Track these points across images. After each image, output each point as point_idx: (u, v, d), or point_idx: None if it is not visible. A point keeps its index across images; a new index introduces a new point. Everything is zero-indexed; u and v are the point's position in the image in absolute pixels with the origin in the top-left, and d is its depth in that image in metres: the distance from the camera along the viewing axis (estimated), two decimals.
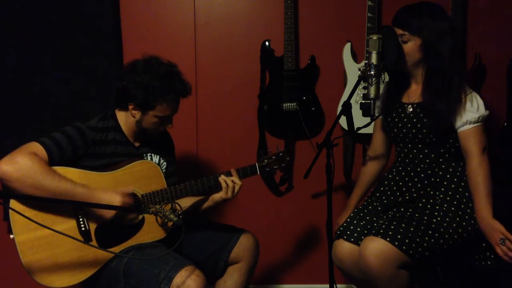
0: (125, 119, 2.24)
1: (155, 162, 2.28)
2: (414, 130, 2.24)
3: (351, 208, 2.45)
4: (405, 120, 2.27)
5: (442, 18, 2.19)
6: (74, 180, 2.03)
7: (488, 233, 2.11)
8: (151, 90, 2.11)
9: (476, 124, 2.17)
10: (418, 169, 2.27)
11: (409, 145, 2.29)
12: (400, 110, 2.30)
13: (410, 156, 2.29)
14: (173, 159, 2.41)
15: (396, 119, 2.30)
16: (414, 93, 2.28)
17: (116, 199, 2.03)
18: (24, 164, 1.92)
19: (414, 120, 2.25)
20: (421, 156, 2.27)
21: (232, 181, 2.19)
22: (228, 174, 2.21)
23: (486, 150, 2.19)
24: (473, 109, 2.16)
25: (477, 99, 2.17)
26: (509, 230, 2.83)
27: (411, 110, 2.27)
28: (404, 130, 2.27)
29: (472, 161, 2.18)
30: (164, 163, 2.35)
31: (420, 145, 2.26)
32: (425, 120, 2.21)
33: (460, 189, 2.23)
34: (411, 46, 2.18)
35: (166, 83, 2.13)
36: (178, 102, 2.21)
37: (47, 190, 1.94)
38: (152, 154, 2.31)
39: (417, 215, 2.18)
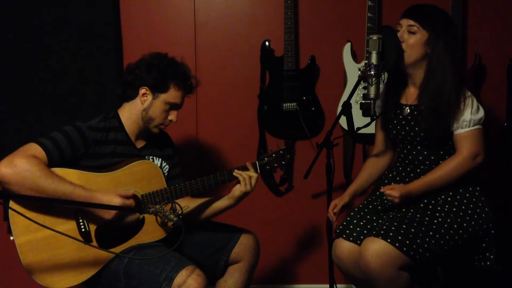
0: (129, 114, 2.24)
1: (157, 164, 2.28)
2: (412, 133, 2.25)
3: (348, 195, 2.39)
4: (403, 122, 2.28)
5: (451, 22, 2.22)
6: (74, 181, 2.03)
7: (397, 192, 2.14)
8: (164, 69, 2.20)
9: (470, 128, 2.17)
10: (418, 170, 2.27)
11: (409, 146, 2.29)
12: (398, 111, 2.30)
13: (410, 157, 2.30)
14: (177, 161, 2.40)
15: (395, 121, 2.31)
16: (411, 95, 2.29)
17: (115, 201, 2.02)
18: (22, 167, 1.92)
19: (412, 123, 2.25)
20: (420, 157, 2.27)
21: (247, 174, 2.21)
22: (243, 168, 2.23)
23: (480, 157, 2.18)
24: (467, 113, 2.16)
25: (474, 103, 2.17)
26: (508, 228, 2.85)
27: (408, 112, 2.27)
28: (403, 132, 2.28)
29: (456, 157, 2.18)
30: (166, 166, 2.35)
31: (419, 147, 2.27)
32: (422, 123, 2.21)
33: (461, 190, 2.23)
34: (417, 39, 2.18)
35: (178, 67, 2.25)
36: (187, 88, 2.27)
37: (46, 192, 1.94)
38: (154, 157, 2.31)
39: (418, 216, 2.18)
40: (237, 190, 2.22)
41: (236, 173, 2.21)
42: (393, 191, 2.14)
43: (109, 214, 2.03)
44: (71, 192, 1.97)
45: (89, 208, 2.03)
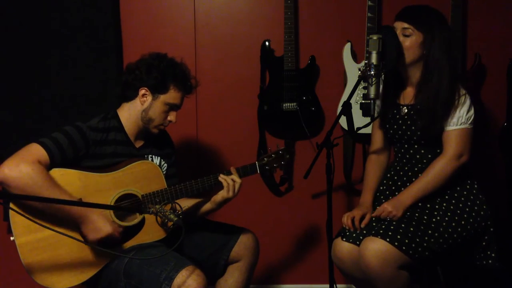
0: (128, 114, 2.24)
1: (156, 164, 2.28)
2: (409, 132, 2.25)
3: (370, 206, 2.33)
4: (400, 122, 2.28)
5: (445, 23, 2.22)
6: (74, 182, 2.04)
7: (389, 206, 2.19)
8: (164, 70, 2.20)
9: (458, 127, 2.17)
10: (416, 169, 2.28)
11: (406, 146, 2.30)
12: (395, 111, 2.31)
13: (407, 156, 2.30)
14: (174, 161, 2.41)
15: (392, 121, 2.31)
16: (408, 95, 2.29)
17: (106, 228, 2.01)
18: (26, 174, 1.93)
19: (408, 122, 2.26)
20: (418, 156, 2.27)
21: (232, 179, 2.19)
22: (228, 173, 2.21)
23: (464, 157, 2.18)
24: (458, 110, 2.16)
25: (467, 101, 2.17)
26: (508, 228, 2.85)
27: (405, 111, 2.28)
28: (400, 132, 2.28)
29: (441, 158, 2.19)
30: (165, 164, 2.35)
31: (416, 146, 2.27)
32: (418, 121, 2.21)
33: (458, 188, 2.24)
34: (412, 41, 2.18)
35: (177, 67, 2.25)
36: (187, 89, 2.27)
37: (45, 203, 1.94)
38: (153, 156, 2.32)
39: (417, 215, 2.18)
40: (219, 195, 2.21)
41: (221, 178, 2.20)
42: (385, 211, 2.19)
43: (102, 232, 2.02)
44: (69, 207, 1.98)
45: (85, 224, 2.02)
